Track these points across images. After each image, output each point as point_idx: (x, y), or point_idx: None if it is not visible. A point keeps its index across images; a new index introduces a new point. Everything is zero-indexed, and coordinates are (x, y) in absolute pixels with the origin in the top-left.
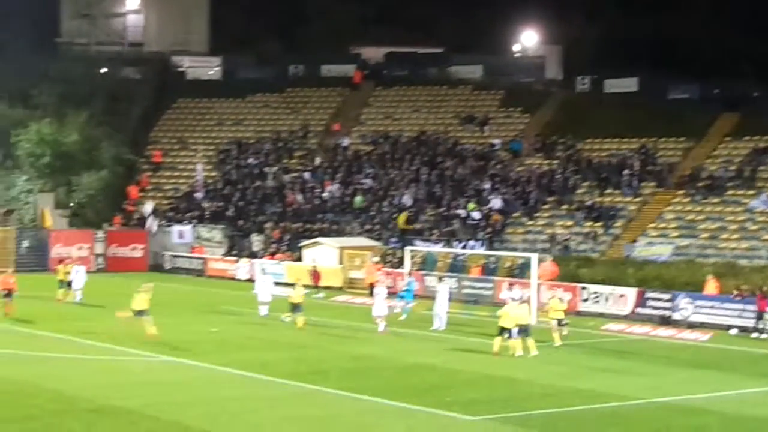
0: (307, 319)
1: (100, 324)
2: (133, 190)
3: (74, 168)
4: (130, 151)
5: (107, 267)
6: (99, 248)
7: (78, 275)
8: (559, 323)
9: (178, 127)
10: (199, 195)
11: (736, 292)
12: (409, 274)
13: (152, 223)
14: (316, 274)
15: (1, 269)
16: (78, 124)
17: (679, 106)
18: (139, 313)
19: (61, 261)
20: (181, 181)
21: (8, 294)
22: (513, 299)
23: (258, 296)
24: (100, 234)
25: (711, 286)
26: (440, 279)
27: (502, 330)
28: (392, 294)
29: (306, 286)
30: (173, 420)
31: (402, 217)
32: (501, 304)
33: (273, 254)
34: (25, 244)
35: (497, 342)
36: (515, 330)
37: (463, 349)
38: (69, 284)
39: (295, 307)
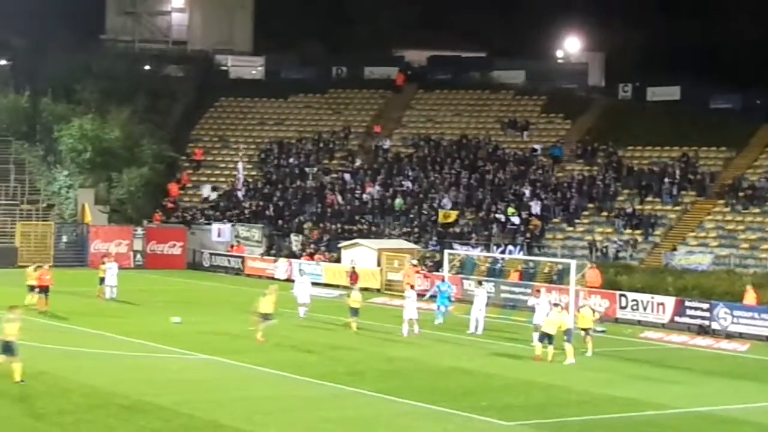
0: (350, 322)
1: (137, 321)
2: (173, 188)
3: (115, 164)
4: (171, 149)
5: (146, 264)
6: (138, 245)
7: (110, 272)
8: (587, 333)
9: (219, 126)
10: (239, 193)
11: None
12: (443, 279)
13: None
14: (354, 275)
15: (38, 264)
16: (120, 121)
17: (721, 116)
18: (265, 317)
19: (104, 257)
20: (221, 179)
21: (44, 290)
22: (538, 305)
23: (297, 298)
24: (139, 231)
25: (750, 297)
26: (479, 283)
27: (543, 336)
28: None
29: (343, 287)
30: (207, 418)
31: (444, 214)
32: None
33: (311, 255)
34: (65, 239)
35: (538, 348)
36: (538, 335)
37: (499, 353)
38: (33, 288)
39: (353, 311)
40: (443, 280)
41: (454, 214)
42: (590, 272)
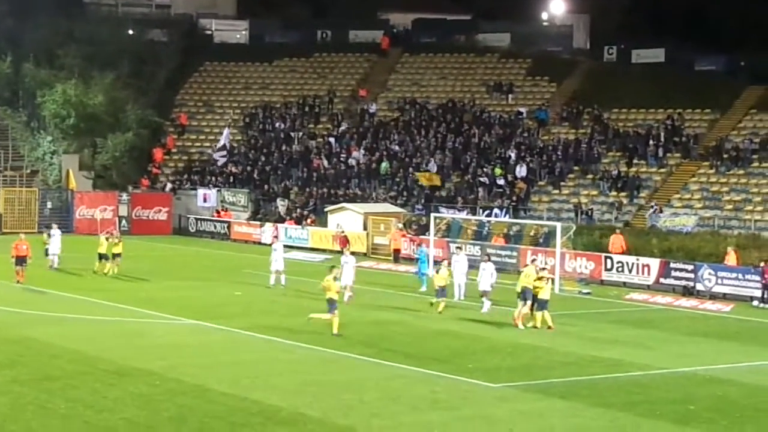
0: (437, 302)
1: (124, 286)
2: (158, 153)
3: (99, 130)
4: (155, 114)
5: (131, 230)
6: (123, 210)
7: (54, 239)
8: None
9: (204, 91)
10: (219, 158)
11: (762, 264)
12: (420, 243)
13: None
14: (343, 239)
15: (108, 233)
16: (104, 86)
17: (706, 78)
18: (331, 303)
19: (107, 232)
20: (206, 144)
21: (21, 261)
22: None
23: (272, 264)
24: (124, 196)
25: (731, 258)
26: (458, 248)
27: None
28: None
29: (331, 252)
30: (195, 383)
31: (427, 177)
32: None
33: (296, 220)
34: (49, 205)
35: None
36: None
37: (485, 317)
38: (106, 257)
39: (440, 291)
40: (420, 246)
41: (436, 177)
42: (614, 237)
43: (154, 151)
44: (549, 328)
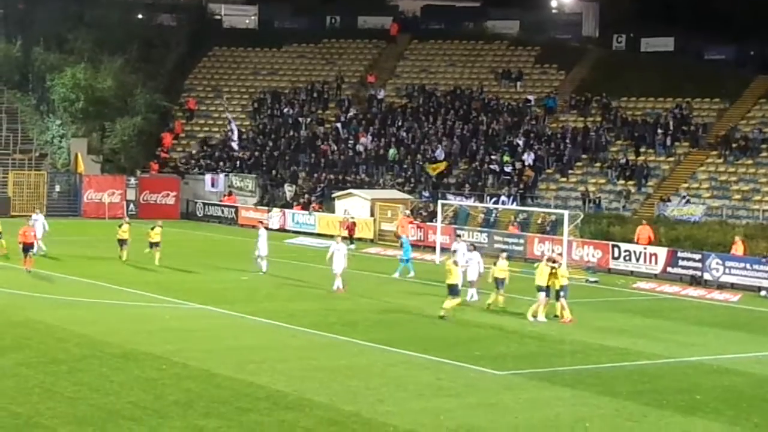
0: (497, 297)
1: (131, 270)
2: (167, 137)
3: (108, 114)
4: (164, 98)
5: (139, 213)
6: (131, 194)
7: (37, 224)
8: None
9: (213, 76)
10: (234, 145)
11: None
12: (397, 235)
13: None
14: (350, 225)
15: (156, 225)
16: (113, 70)
17: (715, 67)
18: (452, 289)
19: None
20: (215, 129)
21: (28, 247)
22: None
23: (259, 251)
24: (132, 180)
25: (738, 248)
26: (458, 237)
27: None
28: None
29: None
30: (201, 367)
31: (433, 167)
32: (533, 261)
33: (304, 206)
34: (57, 188)
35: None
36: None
37: (495, 305)
38: (124, 242)
39: (499, 282)
40: (403, 235)
41: (442, 165)
42: (642, 228)
43: (163, 136)
44: (556, 316)
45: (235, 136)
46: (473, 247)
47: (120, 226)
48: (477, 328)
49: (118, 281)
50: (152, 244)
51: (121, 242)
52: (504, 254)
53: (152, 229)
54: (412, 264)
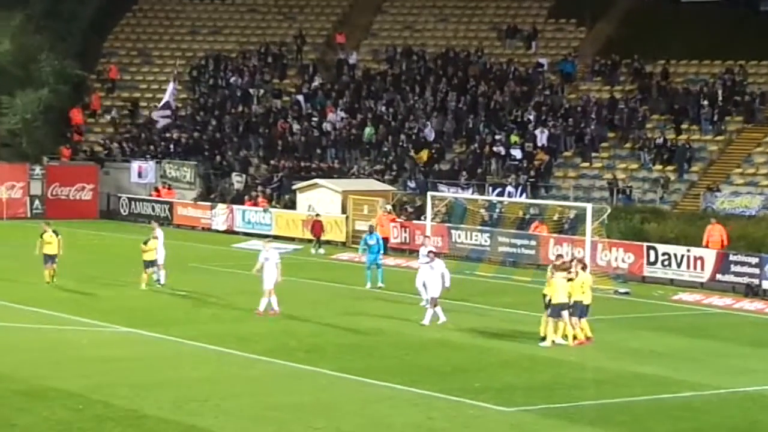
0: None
1: (37, 285)
2: (76, 114)
3: (5, 85)
4: (77, 65)
5: (46, 213)
6: (36, 188)
7: None
8: None
9: (139, 36)
10: (159, 119)
11: None
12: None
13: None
14: (316, 225)
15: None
16: (10, 30)
17: None
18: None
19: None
20: (142, 104)
21: None
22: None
23: (158, 259)
24: (37, 170)
25: None
26: (426, 237)
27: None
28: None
29: (302, 240)
30: (128, 407)
31: (418, 158)
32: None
33: (254, 201)
34: None
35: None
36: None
37: (496, 323)
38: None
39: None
40: (370, 232)
41: (425, 153)
42: (711, 228)
43: (73, 112)
44: (572, 338)
45: (164, 102)
46: (434, 255)
47: (41, 235)
48: (476, 353)
49: (20, 299)
50: (148, 264)
51: (49, 258)
52: (575, 264)
53: (145, 243)
54: (382, 273)
